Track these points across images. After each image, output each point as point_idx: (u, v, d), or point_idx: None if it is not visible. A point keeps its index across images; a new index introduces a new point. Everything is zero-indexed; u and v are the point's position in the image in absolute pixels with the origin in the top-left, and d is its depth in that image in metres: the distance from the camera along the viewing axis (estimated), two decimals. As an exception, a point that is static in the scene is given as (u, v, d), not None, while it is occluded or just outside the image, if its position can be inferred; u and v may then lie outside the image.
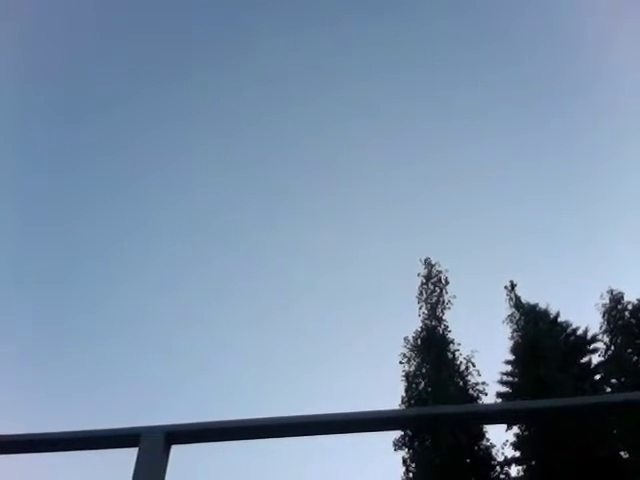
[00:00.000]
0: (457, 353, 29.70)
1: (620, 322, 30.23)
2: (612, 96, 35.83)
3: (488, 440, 27.47)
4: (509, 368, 30.51)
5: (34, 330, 36.92)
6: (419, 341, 30.27)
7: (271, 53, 37.87)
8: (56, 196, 38.26)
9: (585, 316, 36.92)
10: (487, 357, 30.70)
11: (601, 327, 30.80)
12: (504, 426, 26.30)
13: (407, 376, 29.26)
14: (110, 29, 34.31)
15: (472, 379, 28.99)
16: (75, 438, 1.73)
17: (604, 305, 31.17)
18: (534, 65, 37.03)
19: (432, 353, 29.10)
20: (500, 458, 27.47)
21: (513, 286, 32.84)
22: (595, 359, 30.27)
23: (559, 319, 31.24)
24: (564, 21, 35.25)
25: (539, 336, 29.20)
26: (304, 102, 39.88)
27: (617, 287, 31.39)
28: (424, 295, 32.22)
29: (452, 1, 36.75)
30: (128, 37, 35.67)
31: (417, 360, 29.68)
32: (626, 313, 30.44)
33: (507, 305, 32.35)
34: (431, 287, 32.42)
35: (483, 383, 29.03)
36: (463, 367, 29.21)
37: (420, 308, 31.78)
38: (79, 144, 37.16)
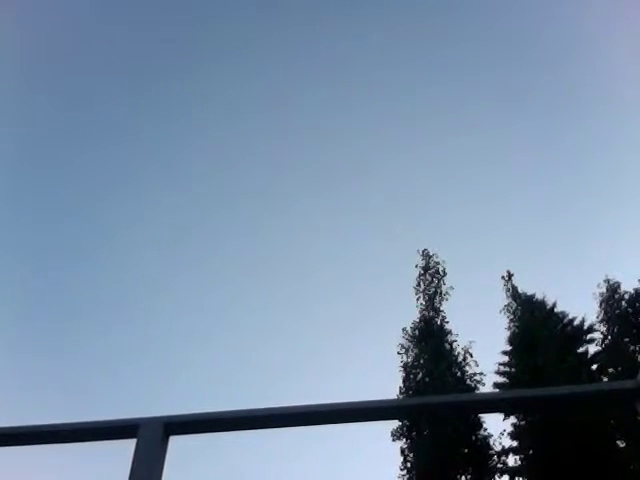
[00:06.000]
0: (455, 344, 29.79)
1: (617, 312, 30.29)
2: (611, 93, 35.88)
3: (486, 430, 27.60)
4: (506, 358, 30.59)
5: (30, 322, 36.91)
6: (417, 332, 30.33)
7: (275, 49, 37.73)
8: (49, 193, 38.16)
9: (582, 306, 37.06)
10: (484, 348, 30.82)
11: (598, 317, 30.90)
12: (501, 416, 26.43)
13: (405, 367, 29.35)
14: (109, 25, 34.09)
15: (470, 369, 29.10)
16: (74, 429, 1.73)
17: (601, 295, 31.25)
18: (532, 59, 36.98)
19: (430, 344, 29.17)
20: (498, 448, 27.60)
21: (510, 276, 32.92)
22: (592, 349, 30.35)
23: (556, 309, 31.28)
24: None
25: (536, 326, 29.26)
26: (301, 94, 39.76)
27: (614, 276, 31.53)
28: (422, 286, 32.29)
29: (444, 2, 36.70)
30: (127, 34, 35.45)
31: (415, 351, 29.75)
32: (623, 302, 30.50)
33: (504, 295, 32.47)
34: (429, 278, 32.47)
35: (480, 373, 29.15)
36: (461, 358, 29.29)
37: (418, 299, 31.88)
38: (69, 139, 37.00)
